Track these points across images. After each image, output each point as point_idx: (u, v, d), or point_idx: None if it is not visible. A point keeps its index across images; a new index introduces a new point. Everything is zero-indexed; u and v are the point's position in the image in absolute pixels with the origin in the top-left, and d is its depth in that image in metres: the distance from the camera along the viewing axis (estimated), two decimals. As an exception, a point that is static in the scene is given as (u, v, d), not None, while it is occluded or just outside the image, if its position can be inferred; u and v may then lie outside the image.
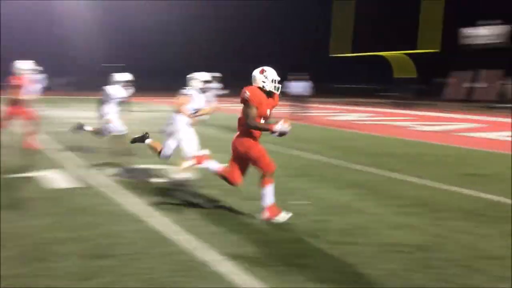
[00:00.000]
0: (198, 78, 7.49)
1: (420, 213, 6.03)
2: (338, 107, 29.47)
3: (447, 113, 25.80)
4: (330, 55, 43.46)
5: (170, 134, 7.36)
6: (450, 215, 5.93)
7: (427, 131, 16.32)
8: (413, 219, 5.77)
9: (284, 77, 7.40)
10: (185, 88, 7.44)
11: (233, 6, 50.43)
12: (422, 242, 4.98)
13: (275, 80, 5.46)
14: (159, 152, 7.31)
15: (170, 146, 7.35)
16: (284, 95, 12.72)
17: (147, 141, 7.36)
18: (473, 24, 32.52)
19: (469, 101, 31.97)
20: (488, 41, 31.50)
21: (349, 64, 44.81)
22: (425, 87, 34.41)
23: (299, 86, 20.26)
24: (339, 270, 4.24)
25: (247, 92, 5.33)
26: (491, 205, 6.53)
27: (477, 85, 32.04)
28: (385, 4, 38.09)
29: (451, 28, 35.58)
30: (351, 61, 43.72)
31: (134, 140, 7.48)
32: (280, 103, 5.79)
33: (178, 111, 7.31)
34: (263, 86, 5.43)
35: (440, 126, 18.12)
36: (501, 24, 31.23)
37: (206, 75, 7.61)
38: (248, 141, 5.45)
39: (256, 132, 5.46)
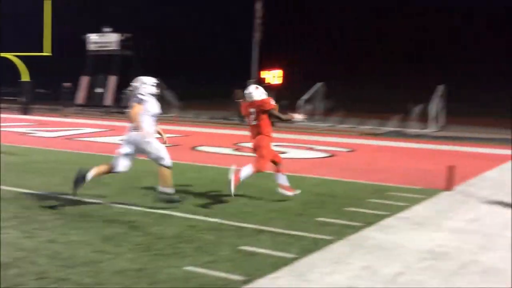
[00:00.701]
0: (148, 82, 6.64)
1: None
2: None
3: (72, 118, 25.59)
4: None
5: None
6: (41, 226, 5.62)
7: (49, 137, 15.72)
8: None
9: None
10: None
11: None
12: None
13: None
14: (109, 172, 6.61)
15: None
16: None
17: (90, 174, 6.47)
18: (98, 31, 33.15)
19: (91, 106, 32.59)
20: (109, 48, 32.54)
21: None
22: (52, 91, 33.54)
23: None
24: None
25: (271, 101, 7.33)
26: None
27: (98, 90, 32.85)
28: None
29: (76, 34, 35.65)
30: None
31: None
32: None
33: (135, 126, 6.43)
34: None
35: (62, 131, 17.74)
36: (114, 32, 32.60)
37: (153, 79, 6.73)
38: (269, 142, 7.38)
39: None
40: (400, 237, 5.73)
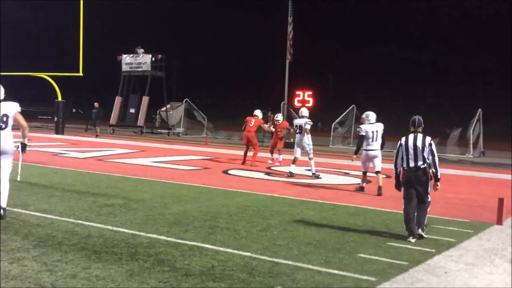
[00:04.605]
0: None
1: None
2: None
3: (104, 138, 25.59)
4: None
5: None
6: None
7: (80, 158, 15.58)
8: None
9: None
10: None
11: None
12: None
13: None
14: None
15: None
16: None
17: None
18: (133, 51, 33.22)
19: (124, 126, 32.72)
20: (142, 69, 32.55)
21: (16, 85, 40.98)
22: (84, 111, 33.84)
23: None
24: None
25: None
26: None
27: (131, 110, 32.94)
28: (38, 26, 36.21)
29: (110, 55, 36.01)
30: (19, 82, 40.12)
31: None
32: None
33: None
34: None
35: (93, 152, 17.61)
36: (146, 53, 32.65)
37: None
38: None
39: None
40: (452, 280, 5.17)
